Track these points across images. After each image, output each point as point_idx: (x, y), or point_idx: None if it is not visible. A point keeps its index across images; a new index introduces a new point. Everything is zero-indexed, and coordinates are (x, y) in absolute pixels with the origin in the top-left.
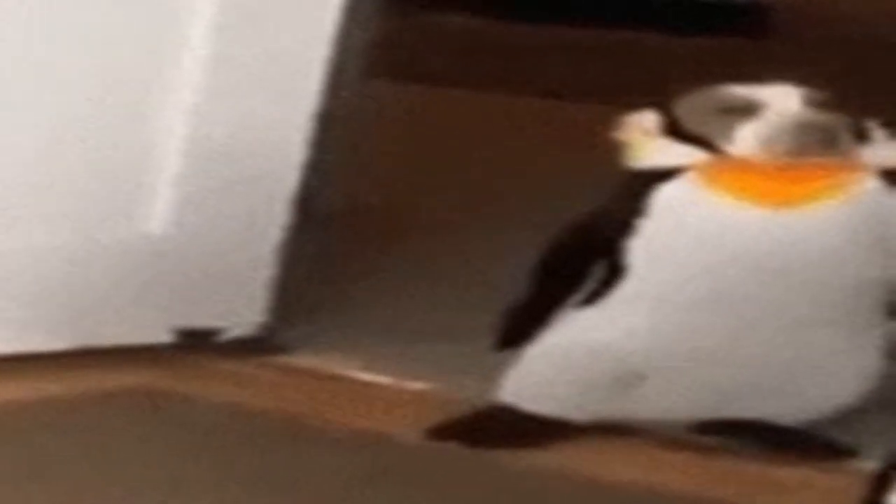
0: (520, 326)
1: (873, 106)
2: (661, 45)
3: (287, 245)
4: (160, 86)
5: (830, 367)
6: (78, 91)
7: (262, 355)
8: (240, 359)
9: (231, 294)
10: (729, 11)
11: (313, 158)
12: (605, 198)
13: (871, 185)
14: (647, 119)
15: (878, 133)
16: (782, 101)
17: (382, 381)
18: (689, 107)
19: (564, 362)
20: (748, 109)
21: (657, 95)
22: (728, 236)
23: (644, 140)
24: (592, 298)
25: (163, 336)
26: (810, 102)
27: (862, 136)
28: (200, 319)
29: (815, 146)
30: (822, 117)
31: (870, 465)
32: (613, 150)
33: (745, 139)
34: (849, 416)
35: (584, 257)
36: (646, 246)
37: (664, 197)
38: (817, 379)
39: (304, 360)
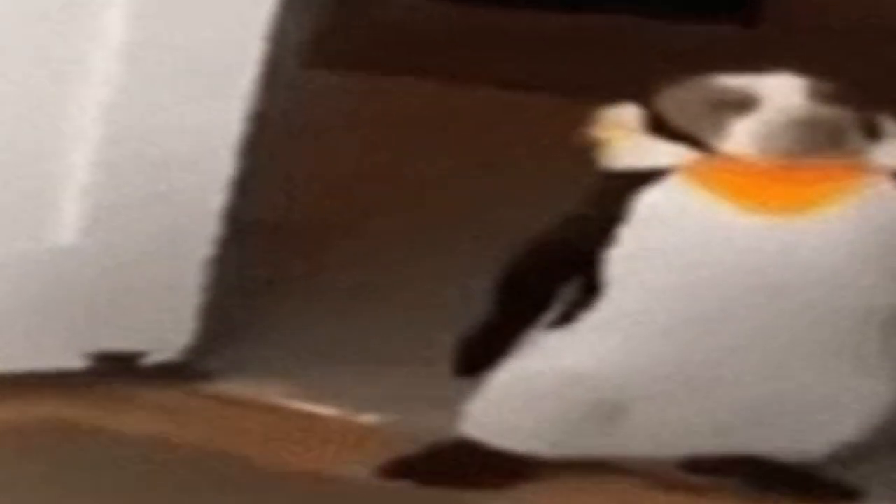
0: (481, 351)
1: (886, 99)
2: (643, 31)
3: (215, 260)
4: (69, 80)
5: (835, 399)
6: None
7: (188, 383)
8: (163, 387)
9: (152, 314)
10: None
11: (245, 165)
12: (579, 204)
13: (885, 189)
14: (627, 114)
15: (891, 129)
16: (781, 93)
17: (327, 412)
18: (676, 100)
19: (533, 392)
20: (742, 103)
21: (638, 87)
22: (720, 248)
23: (623, 138)
24: (564, 320)
25: (75, 361)
26: (814, 95)
27: (873, 133)
28: (118, 342)
29: (820, 145)
30: (828, 112)
31: None
32: (588, 150)
33: (740, 137)
34: (855, 454)
35: (554, 273)
36: (625, 259)
37: (646, 203)
38: (820, 412)
39: (236, 388)
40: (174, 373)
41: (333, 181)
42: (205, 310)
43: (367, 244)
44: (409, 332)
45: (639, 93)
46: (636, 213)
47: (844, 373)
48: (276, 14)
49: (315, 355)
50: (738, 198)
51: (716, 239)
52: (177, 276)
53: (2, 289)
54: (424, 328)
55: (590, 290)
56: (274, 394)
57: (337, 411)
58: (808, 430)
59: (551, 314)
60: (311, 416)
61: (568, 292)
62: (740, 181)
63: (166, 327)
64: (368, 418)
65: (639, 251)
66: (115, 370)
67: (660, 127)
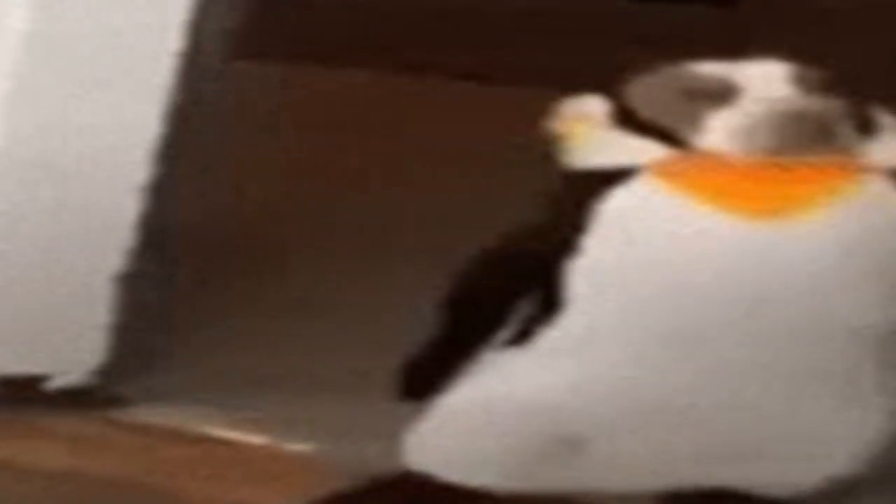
0: (428, 374)
1: (881, 88)
2: (609, 13)
3: (129, 274)
4: None
5: (824, 429)
6: None
7: (99, 409)
8: (71, 414)
9: (59, 333)
10: None
11: (163, 167)
12: (537, 209)
13: (880, 190)
14: (592, 106)
15: (886, 123)
16: (764, 82)
17: (254, 442)
18: (646, 90)
19: (486, 419)
20: (720, 94)
21: (604, 76)
22: (695, 257)
23: (587, 133)
24: (520, 339)
25: None
26: (800, 84)
27: (866, 128)
28: (20, 365)
29: (807, 141)
30: (816, 103)
31: None
32: (547, 147)
33: (717, 132)
34: (845, 489)
35: (510, 286)
36: (590, 270)
37: (613, 207)
38: (808, 443)
39: (152, 415)
40: (84, 399)
41: (264, 185)
42: (118, 328)
43: (301, 255)
44: (347, 352)
45: (604, 82)
46: (601, 218)
47: (835, 399)
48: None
49: (242, 378)
50: (716, 200)
51: (691, 247)
52: (86, 290)
53: None
54: (365, 347)
55: (549, 306)
56: (196, 422)
57: (266, 440)
58: (795, 463)
59: (506, 333)
60: (237, 446)
61: (525, 308)
62: (718, 181)
63: (75, 348)
64: (301, 448)
65: (604, 262)
66: (17, 396)
67: (628, 121)
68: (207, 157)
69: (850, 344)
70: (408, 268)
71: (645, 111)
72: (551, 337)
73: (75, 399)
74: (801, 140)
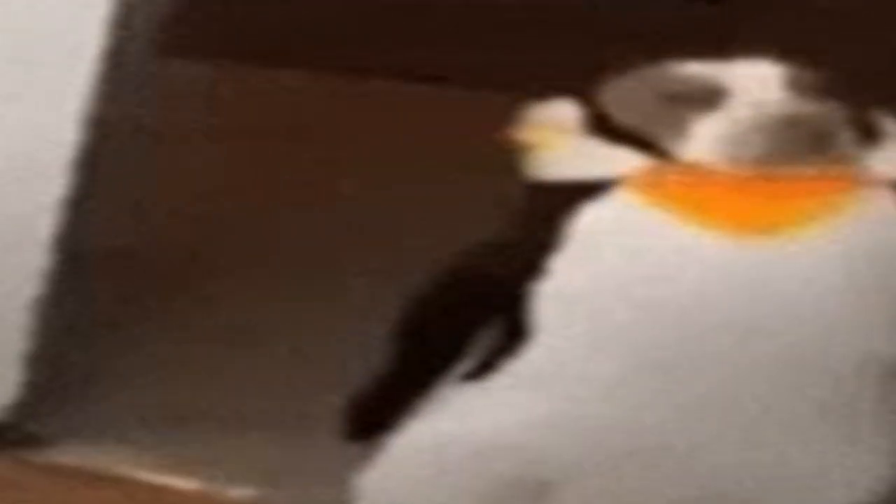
0: (378, 411)
1: (883, 91)
2: (583, 8)
3: (46, 299)
4: None
5: (820, 473)
6: None
7: (14, 449)
8: None
9: None
10: None
11: (82, 179)
12: (500, 226)
13: (883, 204)
14: (563, 111)
15: (890, 129)
16: (754, 84)
17: (186, 486)
18: (623, 94)
19: (442, 462)
20: (706, 97)
21: (577, 78)
22: (678, 280)
23: (558, 141)
24: (480, 372)
25: None
26: (794, 86)
27: (868, 135)
28: None
29: (802, 149)
30: (811, 108)
31: None
32: (512, 157)
33: (702, 139)
34: None
35: (469, 313)
36: (558, 295)
37: (585, 223)
38: (801, 489)
39: (73, 456)
40: None
41: (196, 199)
42: (33, 359)
43: (237, 278)
44: (288, 386)
45: (577, 85)
46: (572, 236)
47: (832, 439)
48: None
49: (170, 415)
50: (701, 217)
51: (672, 269)
52: None
53: None
54: (307, 380)
55: (513, 336)
56: (121, 463)
57: (199, 484)
58: None
59: (464, 365)
60: (164, 491)
61: (485, 338)
62: (703, 195)
63: None
64: (239, 493)
65: (575, 285)
66: None
67: (603, 127)
68: (131, 167)
69: (851, 377)
70: (354, 292)
71: (621, 117)
72: (514, 370)
73: None
74: (796, 149)
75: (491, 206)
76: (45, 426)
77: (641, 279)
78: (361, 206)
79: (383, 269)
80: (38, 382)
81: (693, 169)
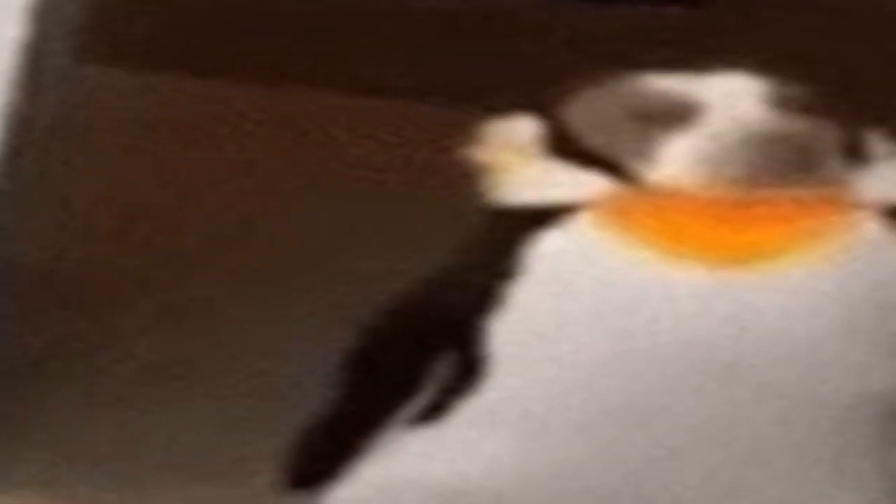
0: (323, 455)
1: (874, 107)
2: (546, 12)
3: None
4: None
5: None
6: None
7: None
8: None
9: None
10: None
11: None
12: (454, 253)
13: (872, 230)
14: (522, 129)
15: (880, 149)
16: (732, 99)
17: None
18: (588, 110)
19: None
20: (679, 114)
21: (537, 91)
22: (648, 313)
23: (518, 163)
24: (435, 411)
25: None
26: (776, 102)
27: (856, 155)
28: None
29: (785, 170)
30: (795, 125)
31: None
32: (467, 178)
33: (675, 160)
34: None
35: (421, 346)
36: (517, 327)
37: (546, 250)
38: None
39: None
40: None
41: (126, 213)
42: None
43: (172, 305)
44: (226, 428)
45: (538, 100)
46: (532, 264)
47: (824, 484)
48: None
49: (98, 459)
50: (673, 245)
51: (642, 301)
52: None
53: None
54: (247, 422)
55: (469, 371)
56: None
57: None
58: None
59: (417, 404)
60: None
61: (440, 374)
62: (675, 222)
63: None
64: None
65: (535, 317)
66: None
67: (565, 147)
68: (50, 183)
69: (843, 417)
70: (298, 324)
71: (585, 136)
72: (471, 409)
73: None
74: (777, 169)
75: (445, 231)
76: None
77: (607, 312)
78: (307, 228)
79: (330, 299)
80: None
81: (664, 193)
